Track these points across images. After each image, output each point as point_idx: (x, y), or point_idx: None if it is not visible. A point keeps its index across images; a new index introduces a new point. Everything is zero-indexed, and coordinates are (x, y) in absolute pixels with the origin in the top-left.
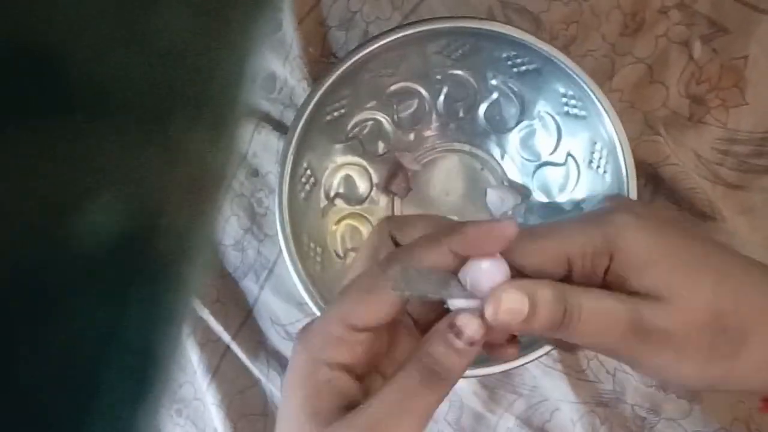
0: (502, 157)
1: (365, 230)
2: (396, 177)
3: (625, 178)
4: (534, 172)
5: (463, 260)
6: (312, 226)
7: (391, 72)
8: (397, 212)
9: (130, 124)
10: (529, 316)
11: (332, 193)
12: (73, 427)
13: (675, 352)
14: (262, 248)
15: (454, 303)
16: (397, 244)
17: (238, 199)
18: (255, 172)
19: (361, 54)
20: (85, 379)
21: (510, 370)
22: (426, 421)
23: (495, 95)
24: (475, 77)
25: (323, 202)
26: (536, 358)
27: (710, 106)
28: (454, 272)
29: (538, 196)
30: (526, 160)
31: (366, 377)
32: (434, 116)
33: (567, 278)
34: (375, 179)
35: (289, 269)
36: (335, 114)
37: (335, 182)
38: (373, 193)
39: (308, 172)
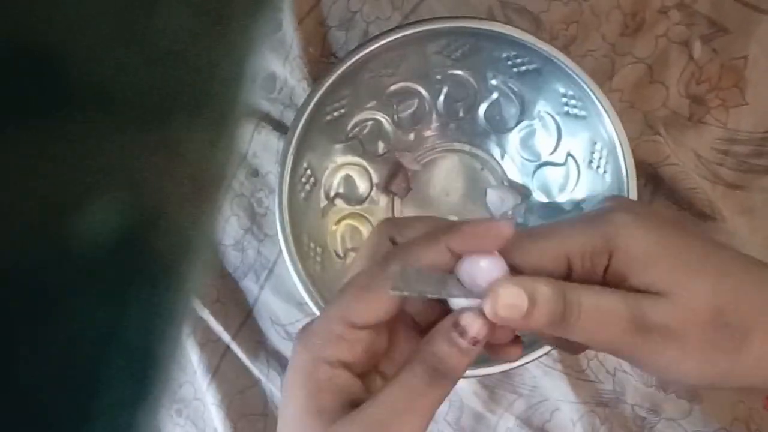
0: (502, 157)
1: (365, 230)
2: (396, 177)
3: (625, 178)
4: (534, 172)
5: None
6: (312, 226)
7: (391, 72)
8: (397, 212)
9: (130, 124)
10: (529, 312)
11: (332, 193)
12: (73, 427)
13: (677, 348)
14: (262, 248)
15: (456, 302)
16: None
17: (238, 199)
18: (255, 172)
19: (361, 54)
20: (85, 379)
21: (510, 370)
22: (429, 419)
23: (495, 95)
24: (475, 77)
25: (323, 202)
26: (536, 358)
27: (710, 106)
28: (452, 271)
29: (538, 196)
30: (526, 160)
31: (366, 377)
32: (434, 116)
33: (567, 278)
34: (375, 179)
35: (289, 269)
36: (335, 114)
37: (335, 182)
38: (373, 193)
39: (308, 172)
